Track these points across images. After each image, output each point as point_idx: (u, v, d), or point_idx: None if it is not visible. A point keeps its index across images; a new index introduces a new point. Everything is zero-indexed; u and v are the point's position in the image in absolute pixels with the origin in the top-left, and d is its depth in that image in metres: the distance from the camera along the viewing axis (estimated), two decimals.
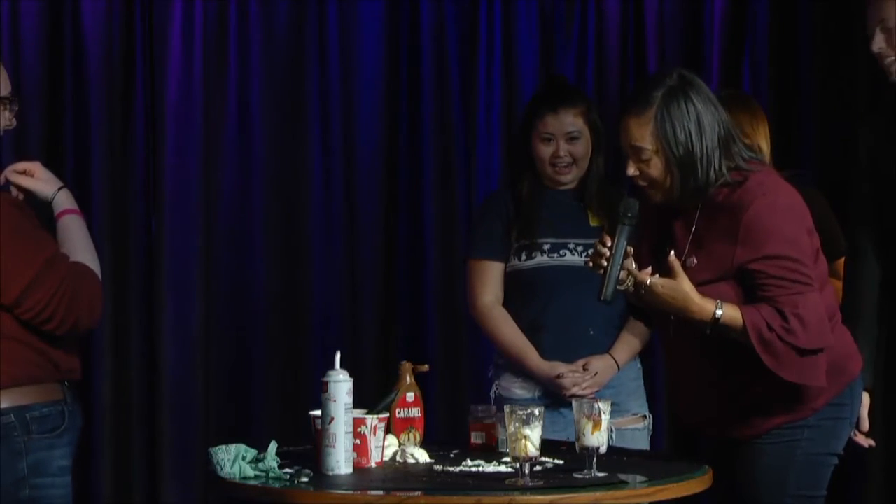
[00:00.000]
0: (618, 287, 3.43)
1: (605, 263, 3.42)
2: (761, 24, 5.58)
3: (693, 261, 3.43)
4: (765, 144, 4.30)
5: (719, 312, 3.34)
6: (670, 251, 3.45)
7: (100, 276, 3.43)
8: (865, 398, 3.98)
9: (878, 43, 3.77)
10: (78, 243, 3.43)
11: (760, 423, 3.42)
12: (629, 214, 3.45)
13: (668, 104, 3.37)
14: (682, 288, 3.36)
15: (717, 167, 3.37)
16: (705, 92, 3.43)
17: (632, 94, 3.48)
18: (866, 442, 4.02)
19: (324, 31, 5.55)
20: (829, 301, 3.49)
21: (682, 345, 3.52)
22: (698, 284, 3.39)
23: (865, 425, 3.99)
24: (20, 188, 3.48)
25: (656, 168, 3.40)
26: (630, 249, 3.43)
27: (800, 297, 3.32)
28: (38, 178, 3.50)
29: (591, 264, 3.46)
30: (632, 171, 3.44)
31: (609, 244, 3.44)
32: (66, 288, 3.29)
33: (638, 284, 3.39)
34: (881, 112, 4.02)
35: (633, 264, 3.42)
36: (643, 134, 3.39)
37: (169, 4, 5.38)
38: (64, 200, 3.50)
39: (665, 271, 3.39)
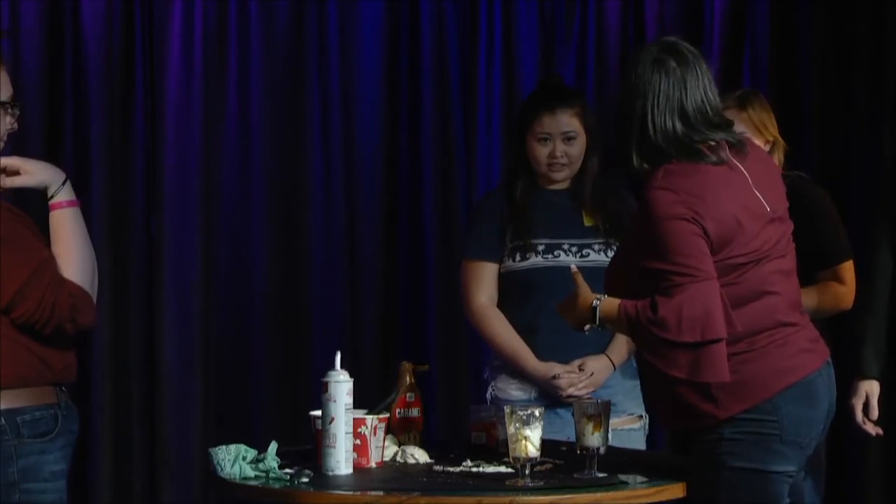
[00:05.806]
0: None
1: None
2: (761, 24, 5.57)
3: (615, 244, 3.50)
4: (780, 138, 4.31)
5: (596, 303, 3.37)
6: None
7: (93, 274, 3.31)
8: (874, 387, 4.09)
9: None
10: (72, 241, 3.31)
11: (679, 426, 3.39)
12: None
13: (634, 66, 3.35)
14: (572, 294, 3.44)
15: (654, 138, 3.30)
16: (685, 62, 3.34)
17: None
18: (874, 430, 4.10)
19: (324, 31, 5.55)
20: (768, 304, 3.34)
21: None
22: (616, 269, 3.47)
23: (874, 414, 4.07)
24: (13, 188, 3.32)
25: None
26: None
27: (678, 288, 3.21)
28: (26, 173, 3.31)
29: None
30: None
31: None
32: (49, 296, 3.20)
33: None
34: None
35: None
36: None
37: (169, 4, 5.38)
38: (62, 192, 3.33)
39: None
